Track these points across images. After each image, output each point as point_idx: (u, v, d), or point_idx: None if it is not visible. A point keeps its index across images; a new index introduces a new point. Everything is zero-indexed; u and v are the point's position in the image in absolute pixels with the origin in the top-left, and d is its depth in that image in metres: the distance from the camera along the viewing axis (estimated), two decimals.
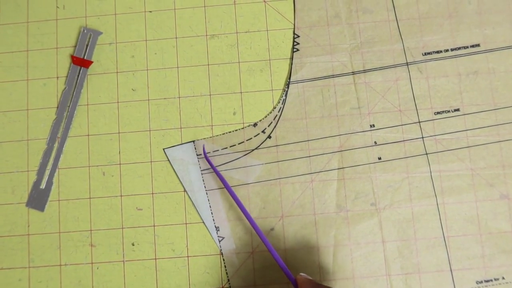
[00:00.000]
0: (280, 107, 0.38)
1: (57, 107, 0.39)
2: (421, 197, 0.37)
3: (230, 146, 0.38)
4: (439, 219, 0.37)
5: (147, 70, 0.39)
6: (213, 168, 0.36)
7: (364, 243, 0.36)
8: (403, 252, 0.36)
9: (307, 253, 0.36)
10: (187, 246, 0.37)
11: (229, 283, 0.36)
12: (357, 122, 0.38)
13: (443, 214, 0.37)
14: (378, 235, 0.37)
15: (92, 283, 0.36)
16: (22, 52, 0.40)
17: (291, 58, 0.39)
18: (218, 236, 0.37)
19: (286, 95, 0.38)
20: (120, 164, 0.38)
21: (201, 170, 0.38)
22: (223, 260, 0.36)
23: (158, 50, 0.39)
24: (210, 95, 0.39)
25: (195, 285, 0.36)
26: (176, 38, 0.39)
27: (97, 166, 0.38)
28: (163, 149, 0.38)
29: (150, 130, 0.38)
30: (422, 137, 0.38)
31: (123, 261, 0.37)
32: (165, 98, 0.39)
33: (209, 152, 0.38)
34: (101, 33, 0.39)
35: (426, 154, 0.37)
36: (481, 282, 0.36)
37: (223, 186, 0.37)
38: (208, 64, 0.39)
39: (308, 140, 0.38)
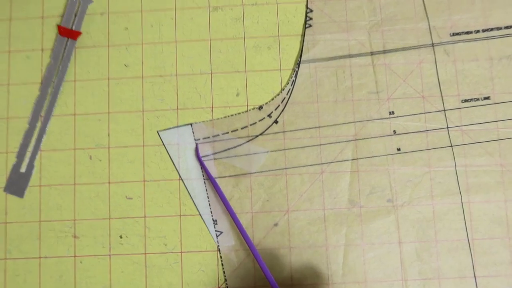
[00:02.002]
0: (289, 89, 0.37)
1: (41, 83, 0.37)
2: (444, 194, 0.35)
3: (232, 131, 0.36)
4: (463, 220, 0.35)
5: (142, 44, 0.38)
6: (201, 163, 0.35)
7: (378, 243, 0.35)
8: (421, 255, 0.35)
9: (315, 252, 0.35)
10: (180, 240, 0.35)
11: (226, 283, 0.35)
12: (374, 108, 0.36)
13: (468, 214, 0.35)
14: (394, 235, 0.35)
15: (74, 279, 0.36)
16: (4, 21, 0.38)
17: (303, 35, 0.37)
18: (215, 231, 0.35)
19: (296, 76, 0.37)
20: (109, 147, 0.37)
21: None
22: (221, 257, 0.35)
23: (155, 22, 0.38)
24: (211, 73, 0.37)
25: (189, 284, 0.35)
26: (175, 9, 0.38)
27: (84, 149, 0.37)
28: (157, 131, 0.37)
29: (143, 111, 0.37)
30: (447, 127, 0.36)
31: (110, 255, 0.36)
32: (161, 76, 0.37)
33: (208, 137, 0.36)
34: (91, 1, 0.38)
35: (451, 146, 0.36)
36: None
37: (224, 175, 0.36)
38: (210, 39, 0.37)
39: (319, 127, 0.36)
